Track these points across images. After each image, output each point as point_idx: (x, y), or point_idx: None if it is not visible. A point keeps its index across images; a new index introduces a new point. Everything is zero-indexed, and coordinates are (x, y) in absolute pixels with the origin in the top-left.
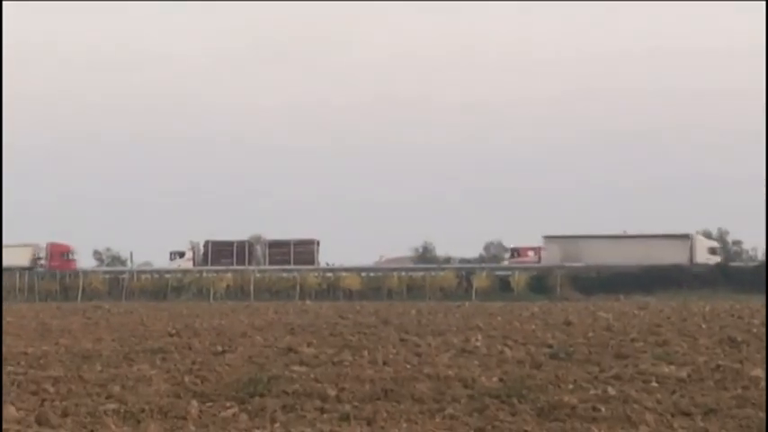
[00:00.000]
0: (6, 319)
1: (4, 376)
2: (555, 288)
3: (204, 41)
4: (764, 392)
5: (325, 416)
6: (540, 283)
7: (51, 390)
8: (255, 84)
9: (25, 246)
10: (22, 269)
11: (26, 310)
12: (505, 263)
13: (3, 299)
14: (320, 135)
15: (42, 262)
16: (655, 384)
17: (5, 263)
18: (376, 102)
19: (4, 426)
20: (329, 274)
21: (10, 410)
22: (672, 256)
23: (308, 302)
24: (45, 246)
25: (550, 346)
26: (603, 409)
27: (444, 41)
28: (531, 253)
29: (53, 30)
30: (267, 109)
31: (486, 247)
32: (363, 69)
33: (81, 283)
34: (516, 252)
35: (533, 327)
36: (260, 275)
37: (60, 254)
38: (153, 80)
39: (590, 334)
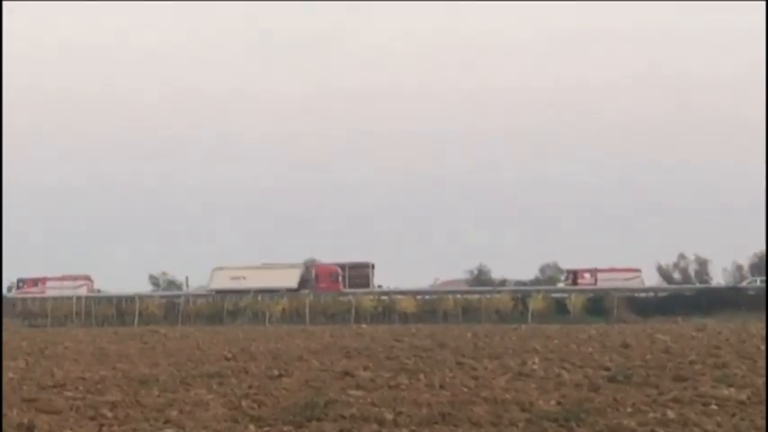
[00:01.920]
0: (64, 344)
1: (63, 401)
2: (612, 310)
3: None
4: None
5: None
6: (597, 306)
7: (109, 415)
8: (309, 111)
9: (293, 267)
10: (289, 291)
11: (83, 336)
12: (561, 285)
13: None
14: (370, 159)
15: (309, 283)
16: (714, 407)
17: (274, 284)
18: (424, 123)
19: None
20: (384, 297)
21: None
22: None
23: (363, 326)
24: (312, 267)
25: (608, 369)
26: None
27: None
28: (587, 275)
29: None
30: (319, 135)
31: (542, 270)
32: (413, 91)
33: (137, 308)
34: (572, 274)
35: (591, 349)
36: (315, 299)
37: (329, 275)
38: (211, 107)
39: (648, 356)
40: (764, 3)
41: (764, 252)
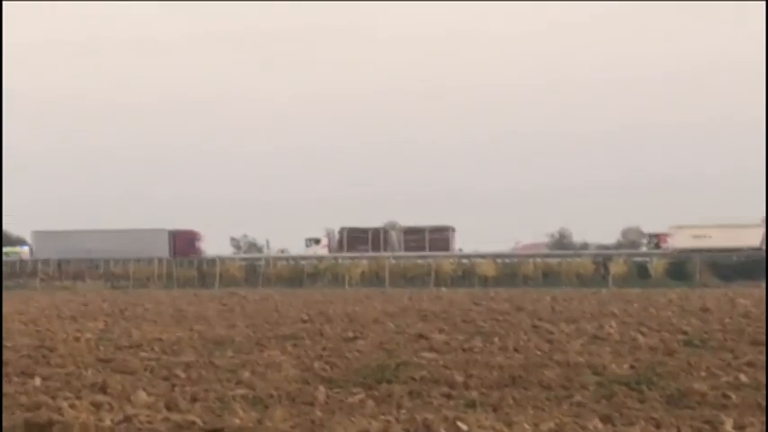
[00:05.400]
0: (144, 305)
1: (137, 362)
2: (694, 274)
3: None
4: None
5: (451, 402)
6: (679, 270)
7: (182, 375)
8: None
9: (757, 225)
10: (752, 250)
11: (163, 297)
12: (643, 249)
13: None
14: (454, 124)
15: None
16: None
17: (738, 243)
18: (508, 88)
19: (134, 411)
20: (465, 261)
21: (140, 396)
22: None
23: (442, 289)
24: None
25: (685, 333)
26: (734, 397)
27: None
28: (670, 239)
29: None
30: (394, 99)
31: (624, 233)
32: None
33: (218, 271)
34: (655, 238)
35: (669, 313)
36: (395, 262)
37: None
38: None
39: (727, 320)
40: (765, 2)
41: None
